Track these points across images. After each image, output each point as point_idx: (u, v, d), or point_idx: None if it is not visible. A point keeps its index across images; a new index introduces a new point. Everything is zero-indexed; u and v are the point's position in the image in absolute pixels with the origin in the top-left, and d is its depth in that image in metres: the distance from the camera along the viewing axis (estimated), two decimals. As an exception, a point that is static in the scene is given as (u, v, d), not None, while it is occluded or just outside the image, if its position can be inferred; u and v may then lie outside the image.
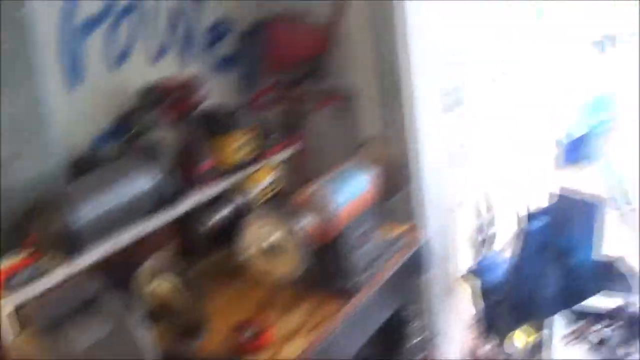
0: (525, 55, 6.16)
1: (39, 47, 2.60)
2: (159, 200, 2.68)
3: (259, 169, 3.23)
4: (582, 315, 4.61)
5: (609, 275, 4.14)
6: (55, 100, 2.69)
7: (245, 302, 2.77)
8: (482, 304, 4.30)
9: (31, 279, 2.26)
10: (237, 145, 3.16)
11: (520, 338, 4.45)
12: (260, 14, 3.67)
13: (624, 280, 4.23)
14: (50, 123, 2.61)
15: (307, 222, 2.65)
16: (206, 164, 2.98)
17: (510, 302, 4.11)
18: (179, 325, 2.37)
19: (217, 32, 3.59)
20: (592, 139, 7.03)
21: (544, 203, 4.39)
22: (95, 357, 1.89)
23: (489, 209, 4.77)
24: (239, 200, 3.05)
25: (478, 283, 4.29)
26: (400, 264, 3.11)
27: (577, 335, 4.61)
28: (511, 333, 4.38)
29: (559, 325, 4.60)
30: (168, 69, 3.22)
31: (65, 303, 1.99)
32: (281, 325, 2.60)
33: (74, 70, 2.83)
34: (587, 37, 8.81)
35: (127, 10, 3.06)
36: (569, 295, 4.08)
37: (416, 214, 3.69)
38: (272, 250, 2.59)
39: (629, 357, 4.44)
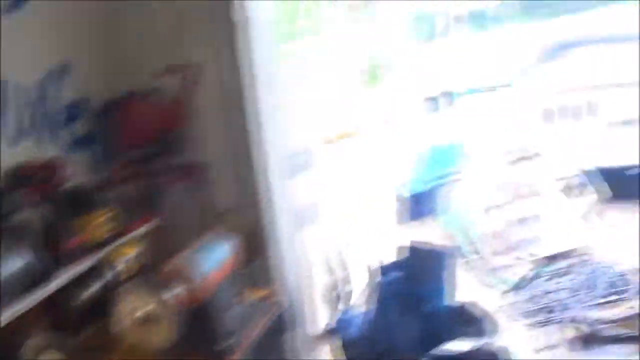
0: (366, 115, 6.58)
1: None
2: (30, 279, 2.81)
3: (123, 244, 3.40)
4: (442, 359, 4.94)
5: (463, 319, 4.49)
6: None
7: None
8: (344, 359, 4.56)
9: None
10: (100, 222, 3.31)
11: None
12: (113, 92, 3.86)
13: (478, 323, 4.60)
14: None
15: (177, 292, 2.86)
16: (73, 242, 3.12)
17: (371, 354, 4.39)
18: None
19: (72, 112, 3.72)
20: (436, 193, 7.49)
21: (396, 256, 4.74)
22: None
23: (342, 265, 5.07)
24: (107, 274, 3.22)
25: (338, 339, 4.55)
26: (266, 325, 3.36)
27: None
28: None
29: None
30: (27, 151, 3.34)
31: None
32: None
33: None
34: (423, 93, 9.43)
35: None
36: (428, 341, 4.35)
37: (276, 277, 3.94)
38: (146, 321, 2.78)
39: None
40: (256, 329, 3.28)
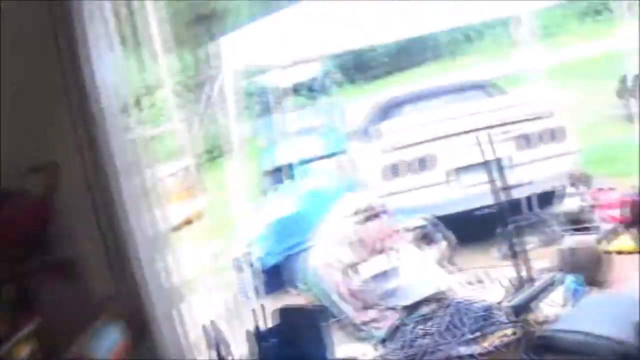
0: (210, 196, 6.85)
1: None
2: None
3: (13, 346, 3.49)
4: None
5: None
6: None
7: None
8: None
9: None
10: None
11: None
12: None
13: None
14: None
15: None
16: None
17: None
18: None
19: None
20: (290, 262, 7.79)
21: (271, 323, 5.01)
22: None
23: (221, 338, 5.26)
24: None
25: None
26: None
27: None
28: None
29: None
30: None
31: None
32: None
33: None
34: (264, 168, 9.77)
35: None
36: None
37: (162, 355, 4.12)
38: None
39: None
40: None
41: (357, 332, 6.46)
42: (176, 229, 5.46)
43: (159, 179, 5.00)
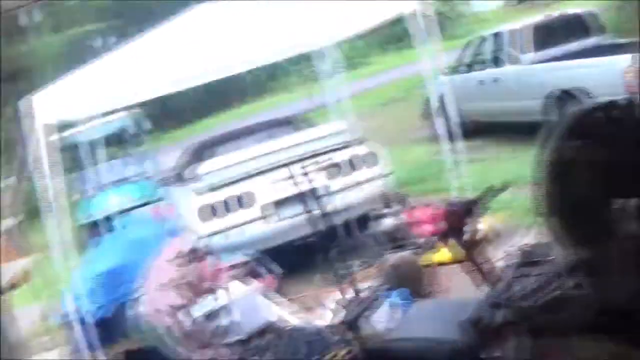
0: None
1: None
2: None
3: None
4: None
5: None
6: None
7: None
8: None
9: None
10: None
11: None
12: None
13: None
14: None
15: None
16: None
17: None
18: None
19: None
20: (120, 314, 7.82)
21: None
22: None
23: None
24: None
25: None
26: None
27: None
28: None
29: None
30: None
31: None
32: None
33: None
34: (82, 220, 9.75)
35: None
36: None
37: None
38: None
39: None
40: None
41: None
42: (4, 291, 5.48)
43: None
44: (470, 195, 7.11)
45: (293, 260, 8.06)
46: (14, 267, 6.49)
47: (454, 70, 14.36)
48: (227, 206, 8.60)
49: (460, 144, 9.63)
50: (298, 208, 7.71)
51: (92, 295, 8.01)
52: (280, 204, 8.62)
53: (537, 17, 14.06)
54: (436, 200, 8.61)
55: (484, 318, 3.70)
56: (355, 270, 7.42)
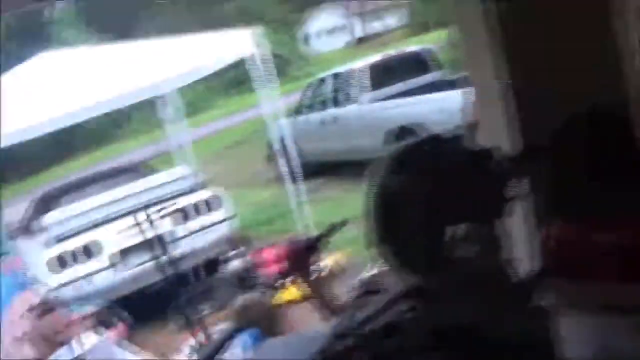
0: None
1: None
2: None
3: None
4: None
5: None
6: None
7: None
8: None
9: None
10: None
11: None
12: None
13: None
14: None
15: None
16: None
17: None
18: None
19: None
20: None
21: None
22: None
23: None
24: None
25: None
26: None
27: None
28: None
29: None
30: None
31: None
32: None
33: None
34: None
35: None
36: None
37: None
38: None
39: None
40: None
41: None
42: None
43: None
44: (313, 233, 7.24)
45: (145, 307, 8.01)
46: None
47: (296, 111, 14.61)
48: (74, 257, 8.46)
49: (303, 185, 9.80)
50: (145, 255, 7.67)
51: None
52: (127, 252, 8.55)
53: (375, 56, 14.51)
54: (281, 240, 8.74)
55: (330, 348, 3.80)
56: (206, 314, 7.42)
